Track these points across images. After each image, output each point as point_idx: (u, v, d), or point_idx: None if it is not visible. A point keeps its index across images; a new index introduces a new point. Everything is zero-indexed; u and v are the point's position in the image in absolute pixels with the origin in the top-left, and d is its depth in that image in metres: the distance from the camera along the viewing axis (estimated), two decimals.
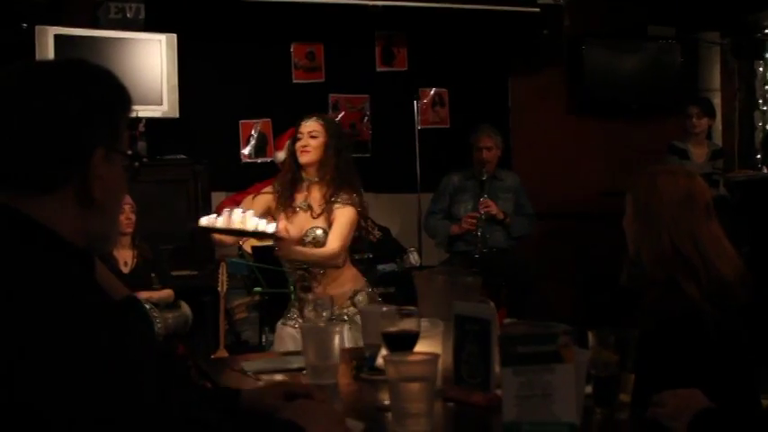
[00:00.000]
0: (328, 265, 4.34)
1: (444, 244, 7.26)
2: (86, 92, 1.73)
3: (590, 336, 2.35)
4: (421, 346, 2.47)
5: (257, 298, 6.71)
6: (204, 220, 3.96)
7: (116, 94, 1.79)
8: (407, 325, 2.48)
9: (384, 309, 2.65)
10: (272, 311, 5.95)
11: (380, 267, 6.96)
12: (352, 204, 4.32)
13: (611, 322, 2.47)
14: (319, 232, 4.32)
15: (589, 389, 2.31)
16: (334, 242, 4.27)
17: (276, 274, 5.05)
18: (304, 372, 2.79)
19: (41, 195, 1.66)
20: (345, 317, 4.30)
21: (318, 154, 4.35)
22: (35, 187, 1.66)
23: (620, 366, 2.34)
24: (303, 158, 4.38)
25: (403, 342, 2.43)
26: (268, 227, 3.95)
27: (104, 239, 1.80)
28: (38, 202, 1.65)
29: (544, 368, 2.00)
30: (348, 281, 4.43)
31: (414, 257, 7.09)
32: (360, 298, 4.36)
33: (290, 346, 4.20)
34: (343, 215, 4.31)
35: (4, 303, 1.49)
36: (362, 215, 4.45)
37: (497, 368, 2.32)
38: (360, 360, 2.85)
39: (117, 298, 1.86)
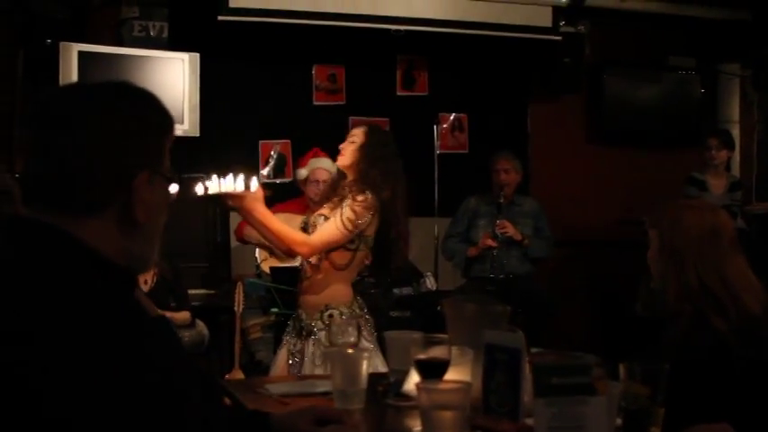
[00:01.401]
0: (285, 248, 4.24)
1: (461, 267, 7.26)
2: (133, 114, 1.74)
3: (621, 368, 2.34)
4: (450, 374, 2.46)
5: (273, 318, 6.71)
6: (199, 190, 3.99)
7: (161, 116, 1.80)
8: (438, 352, 2.48)
9: (414, 335, 2.65)
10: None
11: (396, 291, 6.95)
12: (360, 207, 4.20)
13: (627, 351, 2.47)
14: (321, 219, 4.29)
15: (619, 421, 2.30)
16: (313, 235, 4.20)
17: (293, 295, 5.05)
18: (330, 396, 2.78)
19: (86, 217, 1.67)
20: (314, 331, 4.27)
21: (351, 158, 4.32)
22: (80, 209, 1.67)
23: (650, 399, 2.33)
24: (338, 161, 4.41)
25: (434, 369, 2.43)
26: (237, 185, 3.97)
27: (145, 261, 1.80)
28: (82, 224, 1.66)
29: (577, 400, 1.99)
30: (326, 295, 4.30)
31: (430, 282, 7.08)
32: (330, 314, 4.26)
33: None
34: (341, 215, 4.20)
35: (50, 323, 1.49)
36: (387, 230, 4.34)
37: (527, 397, 2.32)
38: (385, 386, 2.85)
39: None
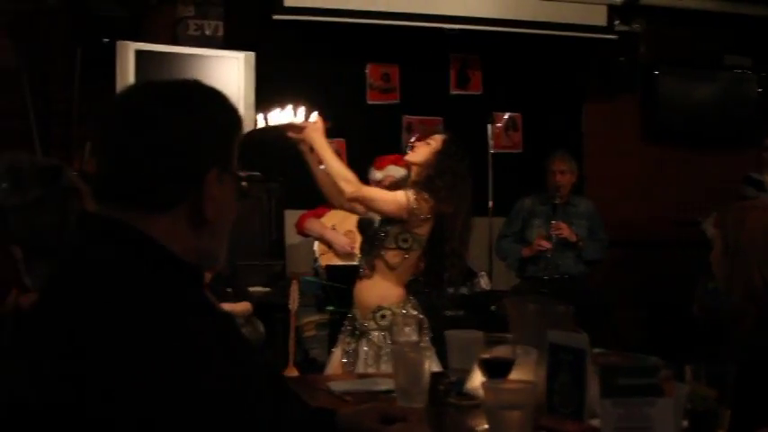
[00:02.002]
0: (337, 188, 4.28)
1: (515, 267, 7.25)
2: (204, 113, 1.76)
3: (686, 370, 2.33)
4: (514, 374, 2.47)
5: (328, 316, 6.73)
6: (261, 122, 4.21)
7: (231, 115, 1.82)
8: (502, 352, 2.48)
9: (476, 334, 2.65)
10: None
11: (451, 290, 6.94)
12: (421, 200, 4.20)
13: (682, 353, 2.45)
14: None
15: (685, 423, 2.29)
16: (370, 187, 4.31)
17: (348, 294, 5.07)
18: (393, 394, 2.79)
19: (156, 214, 1.69)
20: (367, 332, 4.30)
21: (422, 157, 4.33)
22: (152, 206, 1.69)
23: (717, 401, 2.31)
24: (407, 156, 4.44)
25: (499, 369, 2.44)
26: (298, 116, 4.16)
27: (213, 258, 1.82)
28: (152, 221, 1.69)
29: (644, 401, 1.99)
30: (379, 295, 4.34)
31: (484, 281, 7.07)
32: (383, 314, 4.29)
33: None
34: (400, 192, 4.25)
35: (124, 320, 1.52)
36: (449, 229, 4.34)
37: (591, 398, 2.31)
38: (446, 384, 2.85)
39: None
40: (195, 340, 1.55)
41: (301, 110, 4.18)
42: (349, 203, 4.41)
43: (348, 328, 4.44)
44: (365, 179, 5.91)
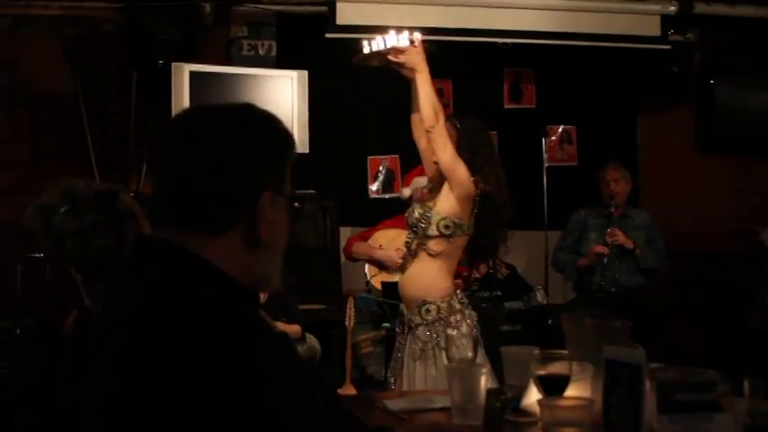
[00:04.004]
0: (421, 114, 4.30)
1: (572, 279, 7.21)
2: (259, 135, 1.77)
3: (745, 384, 2.31)
4: (570, 390, 2.45)
5: (383, 333, 6.73)
6: (366, 49, 4.32)
7: (284, 137, 1.83)
8: (558, 368, 2.47)
9: (532, 350, 2.63)
10: None
11: (507, 305, 6.94)
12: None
13: (742, 366, 2.43)
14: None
15: None
16: (445, 132, 4.27)
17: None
18: (449, 411, 2.78)
19: (212, 237, 1.71)
20: (413, 326, 4.32)
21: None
22: (207, 228, 1.71)
23: None
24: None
25: (555, 385, 2.42)
26: (401, 41, 4.21)
27: (268, 280, 1.84)
28: (208, 244, 1.70)
29: (702, 417, 1.98)
30: (423, 288, 4.33)
31: (540, 295, 7.06)
32: (428, 308, 4.28)
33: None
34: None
35: (188, 344, 1.53)
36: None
37: (648, 414, 2.29)
38: (503, 401, 2.84)
39: None
40: (256, 361, 1.57)
41: (405, 33, 4.24)
42: (425, 137, 4.39)
43: (399, 324, 4.49)
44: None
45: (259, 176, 1.74)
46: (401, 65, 4.30)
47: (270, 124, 1.82)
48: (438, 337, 4.19)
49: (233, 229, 1.72)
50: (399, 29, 4.30)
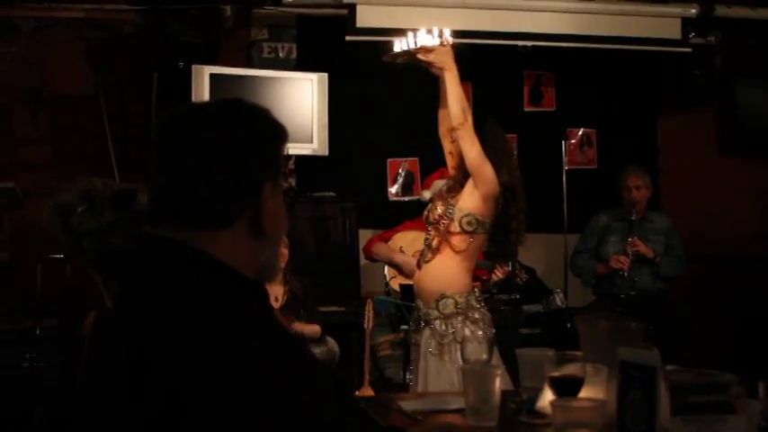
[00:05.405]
0: (449, 111, 4.36)
1: (590, 284, 7.19)
2: (256, 128, 1.79)
3: (760, 386, 2.30)
4: (585, 392, 2.45)
5: (402, 335, 6.73)
6: (397, 47, 4.42)
7: (277, 128, 1.84)
8: (572, 370, 2.47)
9: (547, 352, 2.64)
10: None
11: (526, 308, 6.93)
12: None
13: (763, 369, 2.42)
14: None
15: None
16: (472, 131, 4.30)
17: None
18: (463, 413, 2.79)
19: (216, 231, 1.72)
20: (429, 320, 4.33)
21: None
22: (212, 223, 1.72)
23: None
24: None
25: (569, 387, 2.42)
26: (431, 40, 4.30)
27: (271, 269, 1.86)
28: (213, 239, 1.71)
29: (716, 418, 1.97)
30: (443, 282, 4.36)
31: (560, 299, 7.04)
32: (446, 302, 4.30)
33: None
34: None
35: (197, 344, 1.54)
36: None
37: (662, 416, 2.29)
38: (518, 403, 2.84)
39: None
40: (266, 360, 1.58)
41: (435, 30, 4.31)
42: (452, 132, 4.43)
43: (413, 321, 4.52)
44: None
45: (259, 168, 1.76)
46: (430, 63, 4.34)
47: (260, 115, 1.83)
48: (455, 330, 4.21)
49: (237, 222, 1.73)
50: (429, 29, 4.34)
